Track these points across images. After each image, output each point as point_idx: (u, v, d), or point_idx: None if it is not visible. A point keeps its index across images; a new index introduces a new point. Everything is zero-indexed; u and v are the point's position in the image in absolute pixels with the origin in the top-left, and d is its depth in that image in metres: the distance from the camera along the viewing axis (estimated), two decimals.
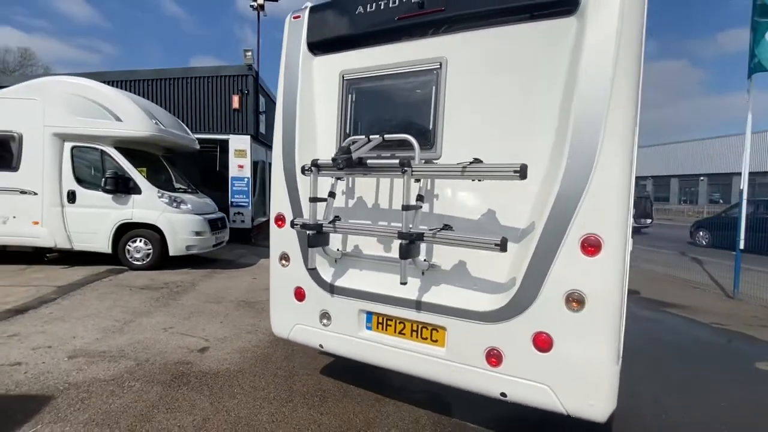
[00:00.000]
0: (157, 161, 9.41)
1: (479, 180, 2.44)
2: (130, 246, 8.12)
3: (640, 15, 2.22)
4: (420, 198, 2.62)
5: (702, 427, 3.35)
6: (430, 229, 2.54)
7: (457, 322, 2.60)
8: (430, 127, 2.78)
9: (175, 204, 8.26)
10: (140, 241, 8.14)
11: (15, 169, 7.72)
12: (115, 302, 5.92)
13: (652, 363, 4.68)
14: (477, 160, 2.39)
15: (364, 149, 2.68)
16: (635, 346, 5.07)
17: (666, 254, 12.59)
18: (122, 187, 7.92)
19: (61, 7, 78.79)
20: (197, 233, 8.37)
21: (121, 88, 13.11)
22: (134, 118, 7.96)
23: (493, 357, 2.49)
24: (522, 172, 2.14)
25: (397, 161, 2.47)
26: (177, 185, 9.15)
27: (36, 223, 7.81)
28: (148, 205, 8.07)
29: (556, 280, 2.30)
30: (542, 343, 2.35)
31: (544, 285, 2.33)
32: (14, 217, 7.77)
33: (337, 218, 2.89)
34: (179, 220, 8.19)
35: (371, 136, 2.79)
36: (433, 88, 2.77)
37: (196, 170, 15.43)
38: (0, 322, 4.89)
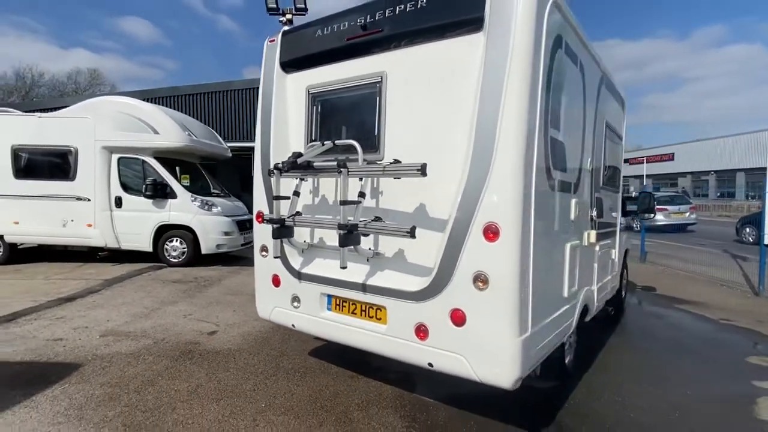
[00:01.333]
0: (196, 169, 10.39)
1: (397, 178, 2.82)
2: (167, 245, 9.05)
3: (534, 31, 2.51)
4: (362, 195, 3.03)
5: (649, 411, 3.49)
6: (361, 220, 2.94)
7: (394, 301, 2.98)
8: (376, 132, 3.18)
9: (206, 207, 9.10)
10: (176, 240, 9.05)
11: (72, 179, 8.85)
12: (148, 293, 6.74)
13: (636, 355, 4.79)
14: (396, 161, 2.77)
15: (313, 153, 3.14)
16: (626, 339, 5.19)
17: (705, 252, 12.06)
18: (160, 192, 8.85)
19: (127, 28, 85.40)
20: (226, 233, 9.17)
21: (167, 103, 14.41)
22: (169, 130, 8.89)
23: (422, 332, 2.85)
24: (422, 170, 2.51)
25: (335, 163, 2.90)
26: (213, 190, 10.08)
27: (90, 225, 8.90)
28: (183, 208, 8.96)
29: (466, 263, 2.63)
30: (457, 318, 2.69)
31: (456, 267, 2.67)
32: (72, 220, 8.89)
33: (298, 213, 3.36)
34: (210, 221, 9.03)
35: (325, 142, 3.24)
36: (377, 98, 3.18)
37: (236, 176, 16.59)
38: (53, 307, 5.79)
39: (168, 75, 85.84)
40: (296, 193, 3.39)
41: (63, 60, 69.79)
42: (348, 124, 3.43)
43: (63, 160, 8.89)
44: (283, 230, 3.32)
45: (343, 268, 2.96)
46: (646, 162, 47.42)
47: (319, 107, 3.58)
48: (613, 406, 3.55)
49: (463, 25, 2.73)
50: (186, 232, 9.03)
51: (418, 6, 2.91)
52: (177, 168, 9.74)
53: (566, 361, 3.93)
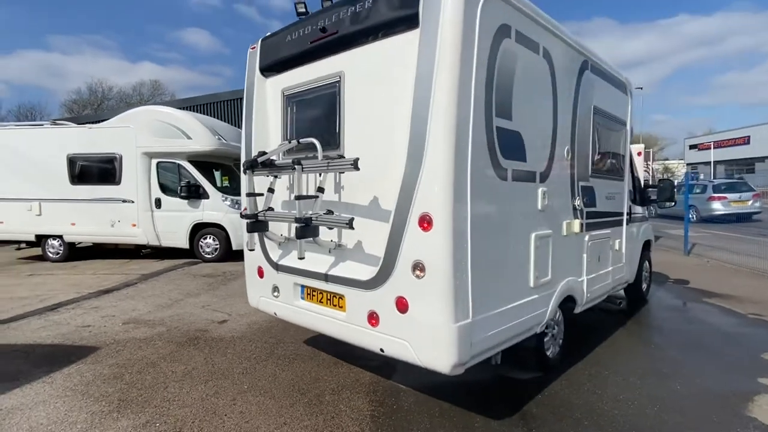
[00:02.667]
0: (231, 170, 11.04)
1: (341, 172, 2.96)
2: (202, 242, 9.72)
3: (462, 25, 2.55)
4: (320, 189, 3.20)
5: (625, 404, 3.39)
6: (315, 214, 3.11)
7: (351, 290, 3.13)
8: (337, 130, 3.34)
9: (236, 206, 9.66)
10: (210, 237, 9.70)
11: (118, 183, 9.73)
12: (177, 286, 7.33)
13: (638, 349, 4.62)
14: (341, 156, 2.91)
15: (276, 152, 3.35)
16: (634, 333, 4.99)
17: (764, 243, 11.07)
18: (194, 193, 9.53)
19: (188, 39, 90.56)
20: None
21: (206, 110, 15.33)
22: (200, 135, 9.53)
23: (374, 318, 2.99)
24: (355, 165, 2.65)
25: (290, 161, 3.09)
26: None
27: (134, 225, 9.75)
28: (215, 207, 9.59)
29: (406, 252, 2.73)
30: (401, 306, 2.79)
31: (398, 256, 2.77)
32: (119, 221, 9.78)
33: (270, 209, 3.59)
34: (239, 219, 9.57)
35: (291, 141, 3.44)
36: (337, 97, 3.33)
37: None
38: (91, 298, 6.48)
39: (227, 81, 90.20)
40: (270, 190, 3.62)
41: (132, 73, 75.47)
42: (316, 122, 3.61)
43: (110, 166, 9.79)
44: (257, 225, 3.56)
45: (301, 258, 3.16)
46: (718, 147, 43.76)
47: (294, 108, 3.79)
48: (589, 397, 3.48)
49: (402, 23, 2.82)
50: (218, 230, 9.65)
51: (366, 6, 3.03)
52: (214, 170, 10.42)
53: (548, 352, 3.89)
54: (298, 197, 3.06)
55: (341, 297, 3.24)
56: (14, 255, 11.06)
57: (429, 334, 2.68)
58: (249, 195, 3.54)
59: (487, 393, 3.58)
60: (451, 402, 3.41)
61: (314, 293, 3.50)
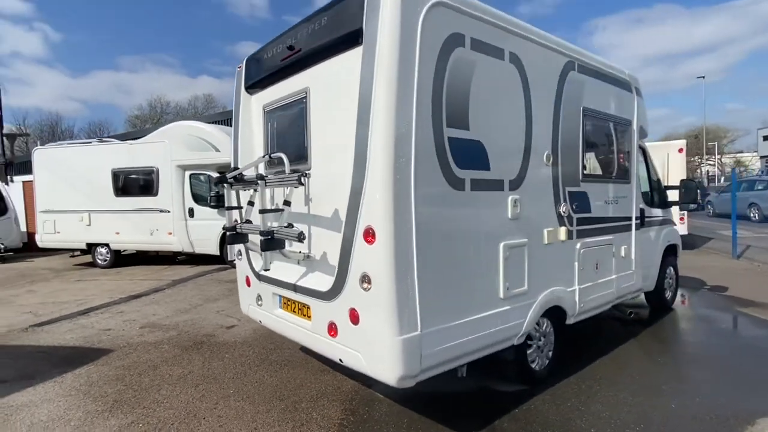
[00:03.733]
0: None
1: (294, 186, 3.04)
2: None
3: (399, 39, 2.55)
4: (287, 203, 3.31)
5: (607, 422, 3.22)
6: (275, 227, 3.21)
7: (315, 300, 3.20)
8: (305, 144, 3.44)
9: None
10: None
11: (155, 194, 10.43)
12: (200, 291, 7.74)
13: (644, 364, 4.36)
14: (294, 171, 3.00)
15: (247, 167, 3.50)
16: (644, 346, 4.69)
17: None
18: (223, 202, 9.99)
19: (242, 52, 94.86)
20: None
21: None
22: (227, 147, 10.00)
23: (333, 329, 3.04)
24: (298, 180, 2.71)
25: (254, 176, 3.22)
26: None
27: (170, 233, 10.41)
28: None
29: (355, 264, 2.77)
30: (354, 317, 2.83)
31: (349, 268, 2.81)
32: (157, 229, 10.48)
33: (248, 221, 3.74)
34: None
35: (264, 156, 3.58)
36: (305, 112, 3.43)
37: None
38: (120, 303, 7.00)
39: None
40: (250, 203, 3.77)
41: (192, 87, 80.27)
42: (291, 137, 3.72)
43: (148, 178, 10.52)
44: (236, 237, 3.73)
45: (266, 270, 3.29)
46: None
47: (273, 123, 3.93)
48: (569, 414, 3.33)
49: (351, 39, 2.86)
50: None
51: (322, 23, 3.11)
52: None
53: (533, 365, 3.77)
54: (262, 211, 3.18)
55: (308, 307, 3.32)
56: (70, 262, 12.11)
57: (376, 346, 2.69)
58: (228, 208, 3.72)
59: (463, 405, 3.52)
60: (423, 413, 3.39)
61: (288, 303, 3.61)
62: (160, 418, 3.41)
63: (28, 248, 13.80)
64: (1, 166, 16.73)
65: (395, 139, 2.56)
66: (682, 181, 5.82)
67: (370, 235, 2.64)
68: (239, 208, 3.70)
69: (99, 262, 11.14)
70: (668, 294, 6.06)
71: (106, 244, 10.97)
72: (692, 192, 5.77)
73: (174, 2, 74.73)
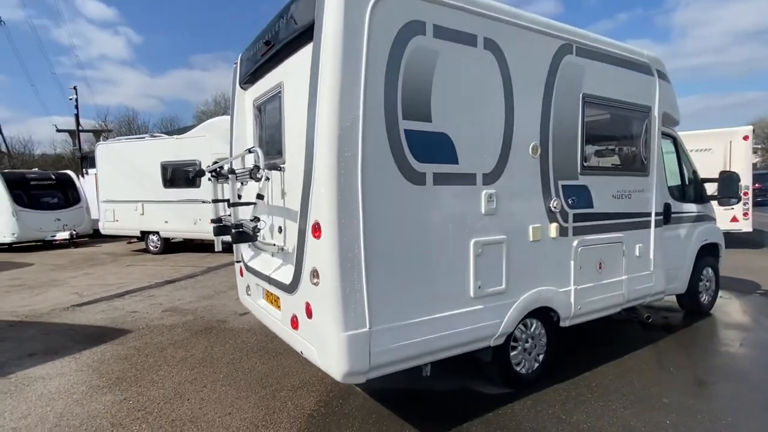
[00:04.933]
0: None
1: (256, 180, 3.08)
2: None
3: (343, 31, 2.49)
4: (260, 196, 3.38)
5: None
6: (243, 220, 3.28)
7: (281, 293, 3.26)
8: (280, 138, 3.48)
9: None
10: None
11: (198, 186, 11.05)
12: (228, 279, 8.14)
13: (652, 373, 4.02)
14: (272, 165, 3.05)
15: (226, 162, 3.60)
16: (660, 353, 4.32)
17: None
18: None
19: None
20: None
21: None
22: None
23: (294, 321, 3.08)
24: (251, 174, 2.76)
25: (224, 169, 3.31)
26: None
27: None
28: None
29: (308, 258, 2.77)
30: (308, 311, 2.84)
31: (304, 262, 2.82)
32: (200, 219, 11.12)
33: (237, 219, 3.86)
34: None
35: (244, 150, 3.68)
36: (280, 106, 3.47)
37: None
38: (153, 288, 7.55)
39: None
40: (238, 196, 3.89)
41: None
42: (272, 131, 3.78)
43: (191, 170, 11.16)
44: (222, 229, 3.86)
45: (237, 262, 3.38)
46: None
47: (261, 117, 4.02)
48: (546, 423, 3.15)
49: (308, 32, 2.83)
50: None
51: (287, 18, 3.11)
52: None
53: (517, 367, 3.60)
54: (232, 204, 3.27)
55: (279, 299, 3.39)
56: (128, 248, 13.22)
57: (325, 341, 2.69)
58: (213, 201, 3.86)
59: (439, 405, 3.44)
60: (395, 410, 3.36)
61: (267, 294, 3.70)
62: (149, 397, 3.65)
63: (98, 235, 15.25)
64: (77, 160, 18.54)
65: (339, 133, 2.52)
66: (721, 173, 5.21)
67: (317, 229, 2.63)
68: (225, 201, 3.82)
69: (151, 248, 12.06)
70: (704, 297, 5.50)
71: (157, 232, 11.84)
72: (732, 185, 5.17)
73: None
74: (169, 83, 73.83)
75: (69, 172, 16.65)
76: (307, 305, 2.85)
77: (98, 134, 31.69)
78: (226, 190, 3.94)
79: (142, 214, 11.83)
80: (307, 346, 2.92)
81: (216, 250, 4.03)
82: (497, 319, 3.27)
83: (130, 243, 13.38)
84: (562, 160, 3.63)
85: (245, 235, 3.30)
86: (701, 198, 5.34)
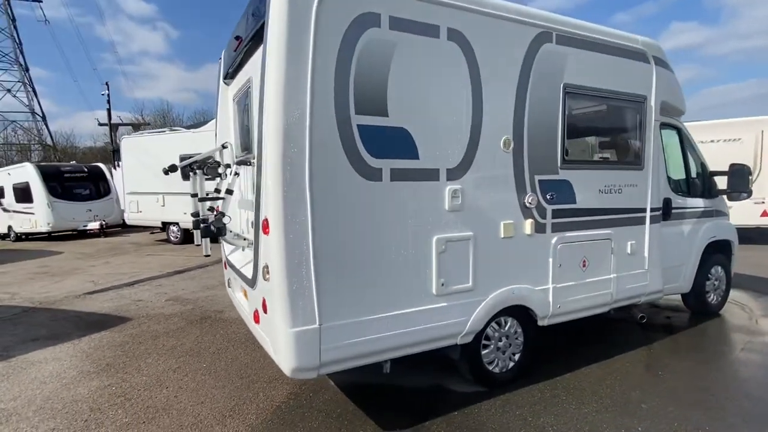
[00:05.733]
0: None
1: (214, 177, 3.11)
2: None
3: (287, 26, 2.46)
4: (229, 191, 3.43)
5: None
6: (210, 215, 3.33)
7: (247, 287, 3.30)
8: (250, 133, 3.51)
9: None
10: None
11: (215, 179, 11.35)
12: None
13: (645, 377, 3.86)
14: (242, 161, 3.08)
15: (198, 157, 3.66)
16: (654, 356, 4.14)
17: None
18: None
19: None
20: None
21: None
22: None
23: (256, 315, 3.12)
24: (208, 169, 2.77)
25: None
26: None
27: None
28: None
29: (261, 254, 2.80)
30: (264, 306, 2.87)
31: (259, 258, 2.85)
32: None
33: (210, 209, 3.93)
34: None
35: (218, 146, 3.73)
36: (250, 102, 3.49)
37: None
38: (163, 277, 7.83)
39: None
40: (217, 191, 3.97)
41: None
42: (244, 126, 3.81)
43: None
44: (200, 222, 3.95)
45: (207, 256, 3.44)
46: None
47: (239, 112, 4.06)
48: (510, 423, 3.07)
49: (260, 32, 2.83)
50: None
51: (249, 13, 3.12)
52: None
53: (490, 366, 3.53)
54: (201, 199, 3.33)
55: (246, 292, 3.44)
56: (151, 238, 13.75)
57: (276, 336, 2.71)
58: (192, 196, 3.94)
59: (405, 401, 3.42)
60: (361, 405, 3.36)
61: (242, 287, 3.76)
62: (132, 384, 3.80)
63: (128, 225, 15.94)
64: (109, 153, 19.39)
65: (284, 128, 2.51)
66: (731, 165, 4.88)
67: (266, 225, 2.65)
68: (195, 195, 3.90)
69: (172, 239, 12.50)
70: (712, 297, 5.20)
71: (177, 223, 12.25)
72: (743, 179, 4.83)
73: None
74: (204, 77, 75.95)
75: (100, 164, 17.41)
76: (263, 300, 2.88)
77: (137, 127, 32.96)
78: (210, 185, 4.03)
79: (163, 205, 12.25)
80: (266, 341, 2.96)
81: (195, 243, 4.13)
82: (463, 317, 3.21)
83: (152, 233, 13.92)
84: (539, 154, 3.49)
85: (211, 229, 3.35)
86: (709, 192, 5.03)
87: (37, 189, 14.80)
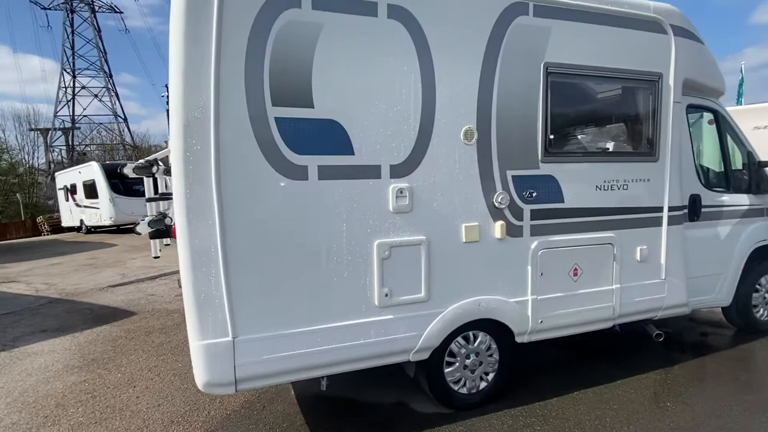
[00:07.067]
0: None
1: (148, 176, 2.97)
2: None
3: (185, 13, 2.26)
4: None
5: None
6: (158, 215, 3.22)
7: None
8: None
9: None
10: None
11: None
12: None
13: (649, 409, 3.29)
14: (149, 164, 2.95)
15: (162, 154, 3.58)
16: (671, 377, 3.58)
17: None
18: None
19: None
20: None
21: None
22: None
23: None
24: (141, 170, 2.65)
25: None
26: None
27: None
28: None
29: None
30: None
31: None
32: None
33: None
34: None
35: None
36: None
37: None
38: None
39: None
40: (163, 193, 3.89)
41: None
42: None
43: None
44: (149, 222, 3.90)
45: (156, 257, 3.35)
46: None
47: None
48: None
49: None
50: None
51: None
52: None
53: (456, 386, 3.15)
54: (148, 200, 3.25)
55: None
56: None
57: (191, 349, 2.55)
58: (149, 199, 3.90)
59: (359, 417, 3.14)
60: (311, 419, 3.15)
61: None
62: (105, 381, 3.85)
63: None
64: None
65: (185, 124, 2.31)
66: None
67: (174, 230, 2.48)
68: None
69: None
70: (761, 313, 4.36)
71: None
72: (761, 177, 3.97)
73: None
74: None
75: None
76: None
77: None
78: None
79: None
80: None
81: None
82: (414, 331, 2.85)
83: None
84: (512, 146, 3.02)
85: (159, 231, 3.27)
86: (758, 187, 4.17)
87: (102, 186, 16.09)
